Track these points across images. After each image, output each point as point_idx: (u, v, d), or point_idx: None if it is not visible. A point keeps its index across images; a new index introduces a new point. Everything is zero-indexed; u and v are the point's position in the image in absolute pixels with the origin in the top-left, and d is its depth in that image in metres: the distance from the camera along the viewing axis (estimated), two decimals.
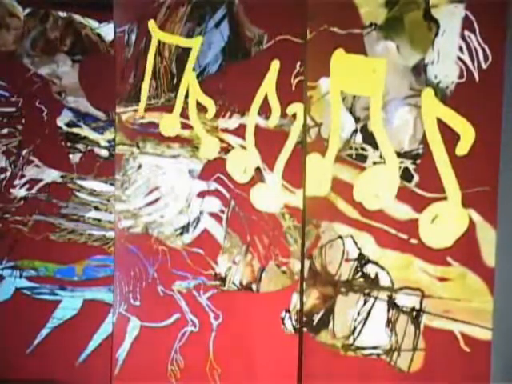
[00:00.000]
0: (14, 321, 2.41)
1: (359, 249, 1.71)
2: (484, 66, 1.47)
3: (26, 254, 2.43)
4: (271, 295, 1.93)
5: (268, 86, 1.91)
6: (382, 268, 1.66)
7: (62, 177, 2.44)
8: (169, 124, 2.18)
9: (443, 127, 1.53)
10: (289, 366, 1.86)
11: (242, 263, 2.01)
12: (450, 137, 1.51)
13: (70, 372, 2.42)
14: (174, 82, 2.16)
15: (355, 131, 1.71)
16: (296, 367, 1.85)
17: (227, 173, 2.03)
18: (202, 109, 2.09)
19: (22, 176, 2.42)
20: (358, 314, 1.71)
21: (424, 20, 1.56)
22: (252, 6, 1.95)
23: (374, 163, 1.67)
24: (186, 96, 2.12)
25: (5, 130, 2.41)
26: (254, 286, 1.98)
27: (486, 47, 1.46)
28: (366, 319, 1.69)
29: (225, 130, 2.03)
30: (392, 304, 1.64)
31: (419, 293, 1.58)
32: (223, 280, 2.05)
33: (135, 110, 2.27)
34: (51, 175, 2.44)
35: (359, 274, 1.71)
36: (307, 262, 1.83)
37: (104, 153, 2.46)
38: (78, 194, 2.45)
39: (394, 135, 1.63)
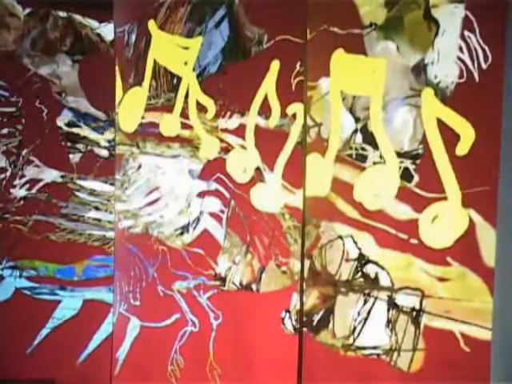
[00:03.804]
0: (14, 321, 2.41)
1: (359, 249, 1.71)
2: (484, 66, 1.47)
3: (26, 254, 2.42)
4: (271, 295, 1.93)
5: (268, 86, 1.91)
6: (382, 268, 1.66)
7: (62, 177, 2.44)
8: (169, 124, 2.18)
9: (443, 127, 1.53)
10: (289, 366, 1.86)
11: (242, 263, 2.01)
12: (450, 137, 1.51)
13: (70, 372, 2.42)
14: (174, 82, 2.16)
15: (355, 131, 1.71)
16: (296, 367, 1.85)
17: (227, 173, 2.03)
18: (202, 109, 2.09)
19: (22, 176, 2.42)
20: (358, 313, 1.71)
21: (424, 20, 1.56)
22: (252, 6, 1.95)
23: (374, 163, 1.67)
24: (186, 96, 2.12)
25: (5, 130, 2.41)
26: (254, 286, 1.98)
27: (486, 47, 1.46)
28: (366, 319, 1.69)
29: (225, 130, 2.03)
30: (392, 304, 1.64)
31: (419, 293, 1.58)
32: (223, 280, 2.05)
33: None
34: (51, 175, 2.44)
35: (359, 274, 1.71)
36: (307, 262, 1.83)
37: (104, 153, 2.46)
38: (77, 193, 2.45)
39: (394, 135, 1.63)
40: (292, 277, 1.88)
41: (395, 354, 1.63)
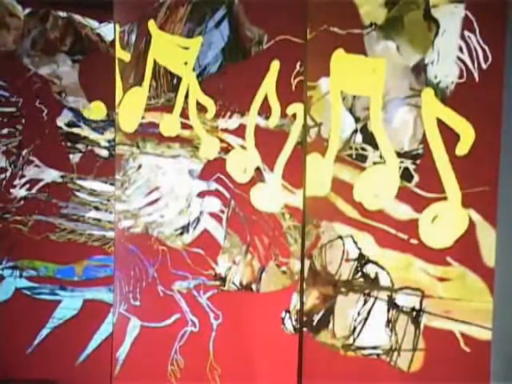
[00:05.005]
0: (14, 321, 2.41)
1: (359, 249, 1.71)
2: (484, 66, 1.47)
3: (26, 254, 2.43)
4: (271, 295, 1.93)
5: (268, 86, 1.91)
6: (382, 268, 1.66)
7: (61, 177, 2.44)
8: (169, 124, 2.18)
9: (443, 127, 1.53)
10: (289, 366, 1.86)
11: (242, 263, 2.01)
12: (450, 137, 1.51)
13: (70, 372, 2.42)
14: (174, 82, 2.16)
15: (355, 131, 1.71)
16: (296, 367, 1.85)
17: (227, 173, 2.03)
18: (202, 109, 2.08)
19: (22, 176, 2.43)
20: (358, 314, 1.71)
21: (424, 20, 1.56)
22: (252, 6, 1.95)
23: (374, 163, 1.67)
24: (186, 96, 2.12)
25: (5, 130, 2.42)
26: (253, 286, 1.98)
27: (486, 47, 1.46)
28: (366, 319, 1.69)
29: (225, 130, 2.03)
30: (392, 304, 1.64)
31: (419, 293, 1.58)
32: (223, 280, 2.05)
33: None
34: (51, 175, 2.44)
35: (359, 274, 1.71)
36: (307, 262, 1.83)
37: (104, 153, 2.46)
38: (77, 193, 2.45)
39: (394, 135, 1.63)
40: (292, 277, 1.88)
41: (395, 353, 1.63)
